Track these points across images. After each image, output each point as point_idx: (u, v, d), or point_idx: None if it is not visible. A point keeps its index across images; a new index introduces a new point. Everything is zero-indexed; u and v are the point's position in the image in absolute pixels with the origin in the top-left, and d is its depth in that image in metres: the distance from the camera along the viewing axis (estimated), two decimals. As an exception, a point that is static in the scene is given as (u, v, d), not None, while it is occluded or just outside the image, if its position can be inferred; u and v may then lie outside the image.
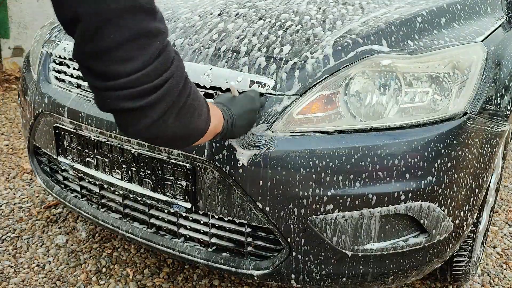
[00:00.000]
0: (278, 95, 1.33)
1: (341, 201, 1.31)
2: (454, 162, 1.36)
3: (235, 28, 1.56)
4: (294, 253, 1.39)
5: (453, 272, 1.78)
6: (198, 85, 1.41)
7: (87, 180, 1.74)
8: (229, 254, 1.50)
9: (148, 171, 1.49)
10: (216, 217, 1.47)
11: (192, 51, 1.48)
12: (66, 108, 1.61)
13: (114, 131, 1.49)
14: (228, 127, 1.18)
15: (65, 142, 1.69)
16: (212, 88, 1.40)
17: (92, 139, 1.58)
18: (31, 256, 1.98)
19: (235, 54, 1.43)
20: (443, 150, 1.33)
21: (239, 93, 1.30)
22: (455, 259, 1.73)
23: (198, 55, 1.46)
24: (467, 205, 1.48)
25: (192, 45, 1.50)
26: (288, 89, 1.33)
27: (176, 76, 0.93)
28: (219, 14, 1.70)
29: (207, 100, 1.10)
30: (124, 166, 1.54)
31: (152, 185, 1.50)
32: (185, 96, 0.96)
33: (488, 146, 1.48)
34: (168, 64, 0.91)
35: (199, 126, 1.04)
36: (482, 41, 1.53)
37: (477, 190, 1.50)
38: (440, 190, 1.36)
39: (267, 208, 1.33)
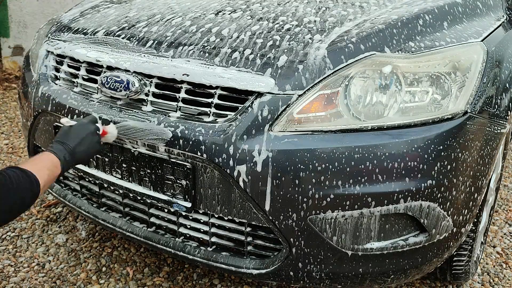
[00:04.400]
0: (278, 95, 1.33)
1: (341, 200, 1.31)
2: (454, 161, 1.36)
3: (234, 29, 1.56)
4: (294, 253, 1.39)
5: (453, 272, 1.78)
6: (201, 85, 1.41)
7: (87, 179, 1.74)
8: (229, 253, 1.50)
9: (148, 170, 1.49)
10: (216, 216, 1.47)
11: (194, 52, 1.48)
12: (66, 107, 1.61)
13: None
14: (69, 160, 1.32)
15: (65, 141, 1.69)
16: (211, 87, 1.40)
17: (92, 138, 1.58)
18: (31, 255, 1.98)
19: (234, 54, 1.43)
20: (443, 150, 1.33)
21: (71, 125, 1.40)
22: (455, 258, 1.73)
23: (199, 56, 1.46)
24: (467, 205, 1.48)
25: (192, 46, 1.50)
26: (288, 88, 1.33)
27: None
28: (216, 15, 1.70)
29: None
30: (124, 165, 1.54)
31: (152, 184, 1.50)
32: None
33: (488, 146, 1.48)
34: None
35: (22, 201, 1.15)
36: (482, 41, 1.53)
37: (477, 190, 1.50)
38: (440, 189, 1.36)
39: (267, 207, 1.33)
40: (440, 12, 1.59)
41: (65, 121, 1.42)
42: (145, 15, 1.78)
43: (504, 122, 1.56)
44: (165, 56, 1.49)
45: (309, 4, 1.76)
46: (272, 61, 1.38)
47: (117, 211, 1.70)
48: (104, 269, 1.91)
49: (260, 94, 1.34)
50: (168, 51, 1.50)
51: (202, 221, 1.51)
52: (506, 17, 1.90)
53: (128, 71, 1.51)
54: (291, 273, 1.43)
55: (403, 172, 1.31)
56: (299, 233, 1.36)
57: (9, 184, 1.11)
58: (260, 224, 1.39)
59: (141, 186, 1.53)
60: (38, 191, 1.18)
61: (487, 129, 1.46)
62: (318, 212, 1.32)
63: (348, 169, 1.29)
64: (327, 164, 1.28)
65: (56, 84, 1.73)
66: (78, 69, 1.68)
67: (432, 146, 1.32)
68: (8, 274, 1.87)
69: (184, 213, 1.50)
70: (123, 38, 1.63)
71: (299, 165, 1.29)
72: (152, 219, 1.61)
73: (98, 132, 1.42)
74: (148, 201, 1.54)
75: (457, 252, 1.70)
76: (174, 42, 1.53)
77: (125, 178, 1.56)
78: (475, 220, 1.65)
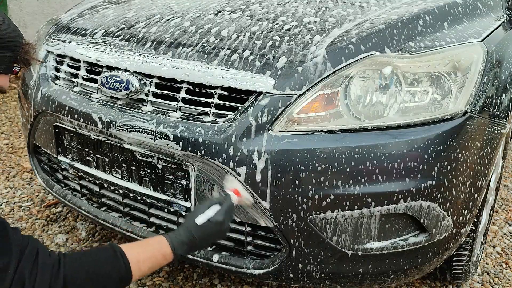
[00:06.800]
0: (278, 95, 1.33)
1: (341, 200, 1.31)
2: (454, 161, 1.36)
3: (234, 30, 1.56)
4: (294, 252, 1.39)
5: (453, 272, 1.78)
6: (201, 85, 1.41)
7: (87, 179, 1.74)
8: (229, 253, 1.50)
9: (148, 170, 1.49)
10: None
11: (194, 53, 1.48)
12: (66, 107, 1.61)
13: (113, 130, 1.49)
14: (184, 254, 1.23)
15: (65, 141, 1.69)
16: (211, 87, 1.40)
17: (92, 138, 1.58)
18: (31, 255, 1.98)
19: (234, 55, 1.43)
20: (443, 150, 1.33)
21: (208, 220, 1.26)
22: (455, 258, 1.73)
23: (199, 57, 1.46)
24: (467, 205, 1.48)
25: (192, 46, 1.50)
26: (288, 89, 1.33)
27: None
28: (215, 15, 1.70)
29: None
30: (124, 165, 1.54)
31: (152, 184, 1.50)
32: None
33: (488, 146, 1.48)
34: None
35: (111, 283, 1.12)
36: (482, 41, 1.53)
37: (477, 190, 1.50)
38: (440, 189, 1.36)
39: (267, 207, 1.33)
40: (440, 12, 1.59)
41: (200, 220, 1.24)
42: (144, 15, 1.78)
43: (504, 122, 1.56)
44: (164, 56, 1.49)
45: (309, 4, 1.76)
46: (272, 61, 1.38)
47: (117, 211, 1.70)
48: (104, 269, 1.91)
49: (260, 94, 1.34)
50: (168, 52, 1.50)
51: (202, 221, 1.51)
52: (506, 17, 1.90)
53: (128, 71, 1.51)
54: (291, 273, 1.43)
55: (403, 172, 1.31)
56: (299, 233, 1.36)
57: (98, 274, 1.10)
58: (260, 224, 1.39)
59: (141, 186, 1.53)
60: (126, 280, 1.14)
61: (487, 129, 1.46)
62: (318, 212, 1.32)
63: (348, 169, 1.29)
64: (327, 164, 1.28)
65: (56, 84, 1.73)
66: (78, 69, 1.68)
67: (432, 146, 1.32)
68: (8, 274, 1.87)
69: (184, 213, 1.50)
70: (122, 38, 1.63)
71: (299, 165, 1.29)
72: (152, 219, 1.61)
73: (231, 217, 1.29)
74: (148, 201, 1.54)
75: (457, 252, 1.70)
76: (174, 43, 1.53)
77: (125, 178, 1.56)
78: (475, 220, 1.65)
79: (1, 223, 1.07)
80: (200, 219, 1.23)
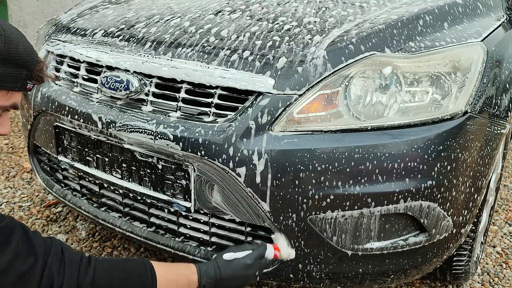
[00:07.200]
0: (278, 95, 1.33)
1: (341, 200, 1.31)
2: (454, 161, 1.36)
3: (234, 30, 1.56)
4: (294, 252, 1.39)
5: (453, 272, 1.78)
6: (201, 85, 1.41)
7: (87, 179, 1.74)
8: (229, 253, 1.50)
9: (148, 170, 1.49)
10: (216, 216, 1.47)
11: (194, 53, 1.48)
12: (66, 107, 1.61)
13: (113, 130, 1.49)
14: (207, 282, 1.27)
15: (65, 141, 1.69)
16: (211, 87, 1.40)
17: (92, 138, 1.58)
18: (31, 255, 1.98)
19: (234, 55, 1.43)
20: (443, 150, 1.33)
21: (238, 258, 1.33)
22: (455, 258, 1.73)
23: (199, 57, 1.46)
24: (467, 205, 1.48)
25: (192, 46, 1.50)
26: (288, 89, 1.33)
27: None
28: (215, 15, 1.70)
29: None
30: (124, 165, 1.54)
31: (152, 184, 1.50)
32: None
33: (488, 146, 1.48)
34: None
35: None
36: (482, 41, 1.53)
37: (477, 190, 1.50)
38: (440, 189, 1.36)
39: (267, 208, 1.33)
40: (440, 12, 1.59)
41: (228, 256, 1.33)
42: (144, 15, 1.78)
43: (504, 122, 1.56)
44: (164, 56, 1.49)
45: (309, 4, 1.76)
46: (272, 61, 1.38)
47: (117, 211, 1.70)
48: (104, 269, 1.91)
49: (260, 94, 1.34)
50: (168, 52, 1.50)
51: (202, 221, 1.51)
52: (506, 17, 1.90)
53: (128, 71, 1.51)
54: (291, 273, 1.43)
55: (403, 172, 1.31)
56: (299, 233, 1.36)
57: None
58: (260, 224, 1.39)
59: (141, 186, 1.53)
60: None
61: (487, 129, 1.46)
62: (318, 212, 1.32)
63: (348, 169, 1.29)
64: (327, 164, 1.28)
65: (56, 84, 1.73)
66: (78, 69, 1.68)
67: (432, 146, 1.32)
68: (8, 274, 1.86)
69: (184, 213, 1.50)
70: (122, 38, 1.63)
71: (299, 165, 1.29)
72: (152, 219, 1.61)
73: (255, 273, 1.34)
74: (148, 201, 1.54)
75: (457, 252, 1.70)
76: (174, 43, 1.53)
77: (125, 178, 1.56)
78: (475, 220, 1.65)
79: (21, 226, 1.10)
80: (228, 256, 1.31)
